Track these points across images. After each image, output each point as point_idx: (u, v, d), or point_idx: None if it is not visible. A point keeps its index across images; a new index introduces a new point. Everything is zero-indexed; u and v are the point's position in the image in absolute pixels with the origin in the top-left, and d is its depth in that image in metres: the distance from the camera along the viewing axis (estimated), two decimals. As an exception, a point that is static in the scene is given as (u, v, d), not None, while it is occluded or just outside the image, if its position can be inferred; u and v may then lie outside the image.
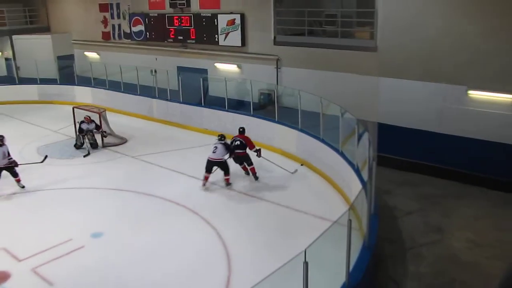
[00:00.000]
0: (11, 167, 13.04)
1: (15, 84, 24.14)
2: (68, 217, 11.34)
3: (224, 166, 12.81)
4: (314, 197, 12.15)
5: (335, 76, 15.50)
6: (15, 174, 13.12)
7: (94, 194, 12.66)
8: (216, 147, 12.76)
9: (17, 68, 25.25)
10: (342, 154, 12.00)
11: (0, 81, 24.21)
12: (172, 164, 14.50)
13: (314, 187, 12.74)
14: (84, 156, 15.53)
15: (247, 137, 13.21)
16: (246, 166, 13.25)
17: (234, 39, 18.33)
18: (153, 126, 18.92)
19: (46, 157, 14.38)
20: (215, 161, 12.70)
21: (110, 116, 17.77)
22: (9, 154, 13.08)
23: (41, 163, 14.16)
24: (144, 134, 17.96)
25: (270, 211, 11.46)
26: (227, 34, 18.55)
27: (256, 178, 13.13)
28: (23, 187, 13.13)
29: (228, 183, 12.85)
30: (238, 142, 13.07)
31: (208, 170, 12.73)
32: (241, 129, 13.41)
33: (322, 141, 13.17)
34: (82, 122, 16.10)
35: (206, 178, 12.80)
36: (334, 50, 15.59)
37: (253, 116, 16.00)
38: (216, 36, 18.87)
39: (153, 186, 12.95)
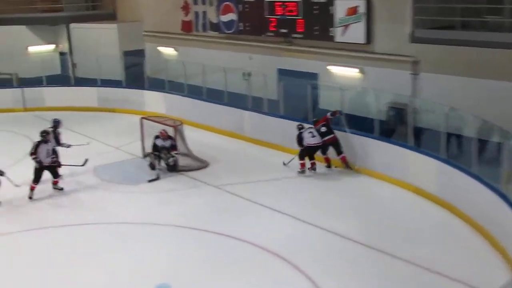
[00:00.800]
0: (53, 167, 15.33)
1: (69, 85, 25.68)
2: (127, 261, 11.71)
3: (326, 148, 16.42)
4: (462, 255, 11.74)
5: (499, 87, 14.92)
6: (56, 175, 15.44)
7: (161, 232, 13.03)
8: (311, 132, 16.30)
9: (74, 65, 26.75)
10: (505, 198, 11.55)
11: (52, 81, 25.79)
12: (265, 198, 14.64)
13: (461, 241, 12.34)
14: (150, 181, 16.09)
15: (325, 118, 16.58)
16: (336, 154, 16.39)
17: (356, 33, 18.26)
18: (243, 146, 19.28)
19: (86, 160, 16.43)
20: (318, 146, 16.27)
21: (188, 131, 18.31)
22: (53, 153, 15.40)
23: (82, 166, 16.27)
24: (231, 156, 18.32)
25: (397, 270, 11.22)
26: (346, 27, 18.55)
27: (348, 166, 16.30)
28: (61, 189, 15.45)
29: (347, 165, 16.26)
30: (324, 128, 16.48)
31: (303, 157, 16.15)
32: (315, 119, 16.90)
33: (476, 177, 12.75)
34: (157, 137, 16.74)
35: (303, 165, 16.20)
36: (499, 50, 15.05)
37: (377, 139, 15.85)
38: (331, 29, 18.90)
39: (238, 226, 13.12)
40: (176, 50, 25.71)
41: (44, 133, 15.35)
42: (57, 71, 27.87)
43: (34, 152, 15.00)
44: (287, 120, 18.41)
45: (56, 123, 16.97)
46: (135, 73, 24.53)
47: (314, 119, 17.04)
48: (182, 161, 17.17)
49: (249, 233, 12.65)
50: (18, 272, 11.40)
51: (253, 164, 17.59)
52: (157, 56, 26.05)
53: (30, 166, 15.31)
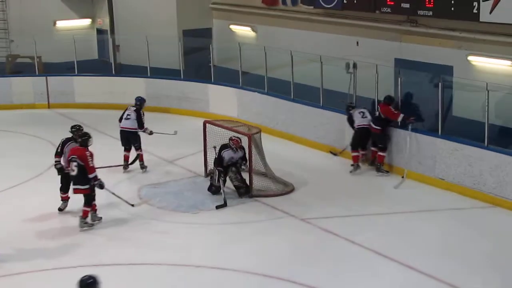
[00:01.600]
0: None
1: (109, 75, 26.06)
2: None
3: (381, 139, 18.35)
4: None
5: None
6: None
7: (231, 281, 12.86)
8: (363, 112, 18.50)
9: (116, 48, 27.09)
10: None
11: (86, 68, 26.29)
12: (371, 239, 14.40)
13: None
14: (218, 208, 16.03)
15: (388, 108, 18.04)
16: (377, 149, 18.35)
17: (511, 11, 17.86)
18: (343, 165, 19.02)
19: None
20: (367, 128, 18.41)
21: (267, 142, 18.20)
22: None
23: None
24: (326, 179, 18.16)
25: None
26: (497, 1, 18.12)
27: (379, 169, 18.17)
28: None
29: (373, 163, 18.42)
30: (377, 113, 18.50)
31: (356, 146, 18.48)
32: (387, 100, 18.21)
33: None
34: (224, 147, 16.70)
35: (356, 158, 18.39)
36: None
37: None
38: (475, 4, 18.53)
39: (336, 277, 12.89)
40: (254, 30, 25.80)
41: (75, 129, 15.92)
42: (94, 55, 28.35)
43: (59, 153, 15.68)
44: (407, 131, 17.99)
45: (141, 101, 19.06)
46: (198, 61, 24.69)
47: (387, 98, 18.29)
48: (258, 183, 17.07)
49: (350, 287, 12.45)
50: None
51: (356, 190, 17.42)
52: (228, 37, 26.21)
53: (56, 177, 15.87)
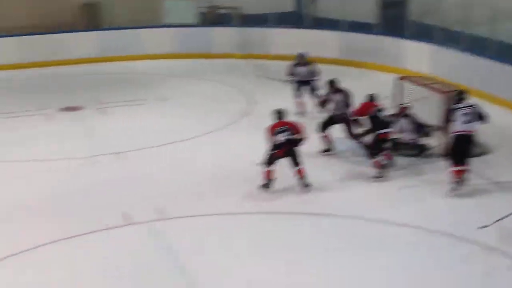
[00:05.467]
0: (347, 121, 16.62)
1: (305, 27, 26.20)
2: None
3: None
4: None
5: None
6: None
7: (424, 239, 12.57)
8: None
9: (311, 1, 26.93)
10: None
11: (281, 20, 26.47)
12: None
13: None
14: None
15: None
16: None
17: None
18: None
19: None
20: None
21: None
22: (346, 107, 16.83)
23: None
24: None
25: None
26: None
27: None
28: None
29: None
30: None
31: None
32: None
33: None
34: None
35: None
36: None
37: None
38: None
39: None
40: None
41: (332, 82, 16.87)
42: (289, 6, 28.27)
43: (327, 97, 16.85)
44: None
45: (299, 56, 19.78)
46: (394, 15, 24.18)
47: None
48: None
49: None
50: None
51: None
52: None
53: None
